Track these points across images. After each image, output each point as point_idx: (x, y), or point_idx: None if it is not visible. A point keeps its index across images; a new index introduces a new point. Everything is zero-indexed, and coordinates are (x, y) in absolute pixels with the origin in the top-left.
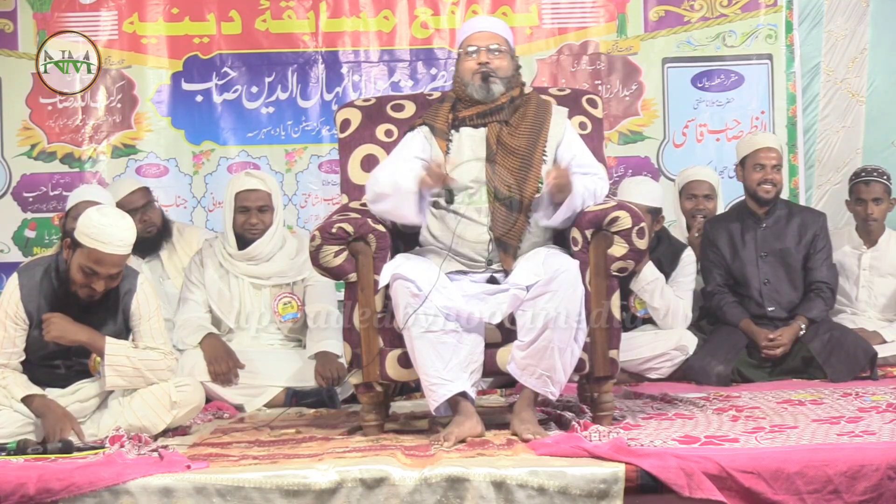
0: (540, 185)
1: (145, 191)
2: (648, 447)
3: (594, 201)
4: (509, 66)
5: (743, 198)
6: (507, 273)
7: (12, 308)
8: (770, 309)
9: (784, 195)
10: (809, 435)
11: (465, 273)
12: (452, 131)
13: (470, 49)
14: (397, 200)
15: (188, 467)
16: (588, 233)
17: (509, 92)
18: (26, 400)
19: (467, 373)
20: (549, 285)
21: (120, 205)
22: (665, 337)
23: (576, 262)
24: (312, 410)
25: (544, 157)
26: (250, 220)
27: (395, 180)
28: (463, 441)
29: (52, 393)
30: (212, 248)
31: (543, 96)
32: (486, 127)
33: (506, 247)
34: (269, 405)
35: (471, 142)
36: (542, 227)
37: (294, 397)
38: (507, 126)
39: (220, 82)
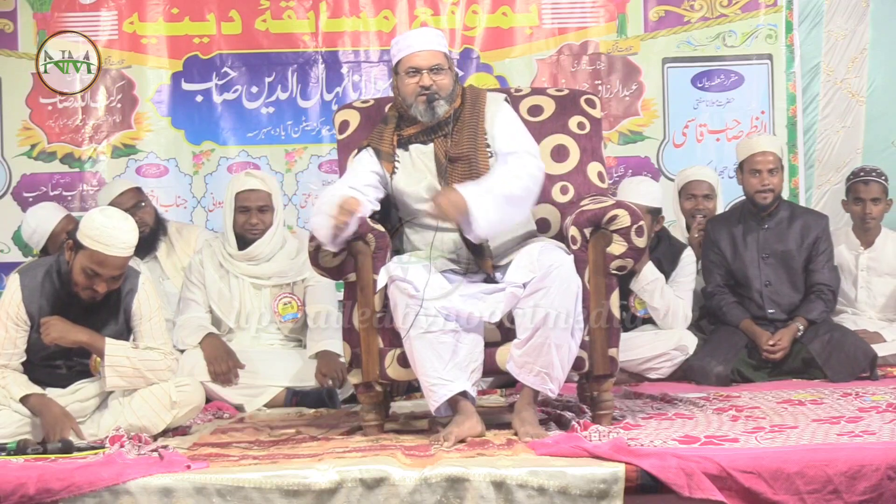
0: None
1: (135, 191)
2: (648, 447)
3: (521, 182)
4: (450, 81)
5: (744, 197)
6: (501, 270)
7: (13, 309)
8: (770, 311)
9: (784, 195)
10: (809, 435)
11: (461, 274)
12: (400, 150)
13: (411, 70)
14: (319, 220)
15: (188, 467)
16: (587, 231)
17: (451, 105)
18: (24, 399)
19: (467, 372)
20: (543, 281)
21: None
22: (665, 337)
23: (570, 258)
24: (312, 410)
25: (488, 151)
26: (250, 221)
27: (326, 205)
28: (463, 441)
29: (53, 393)
30: (212, 249)
31: (483, 89)
32: (433, 142)
33: (478, 249)
34: (269, 405)
35: (421, 157)
36: (517, 221)
37: (294, 397)
38: (452, 138)
39: (220, 82)
